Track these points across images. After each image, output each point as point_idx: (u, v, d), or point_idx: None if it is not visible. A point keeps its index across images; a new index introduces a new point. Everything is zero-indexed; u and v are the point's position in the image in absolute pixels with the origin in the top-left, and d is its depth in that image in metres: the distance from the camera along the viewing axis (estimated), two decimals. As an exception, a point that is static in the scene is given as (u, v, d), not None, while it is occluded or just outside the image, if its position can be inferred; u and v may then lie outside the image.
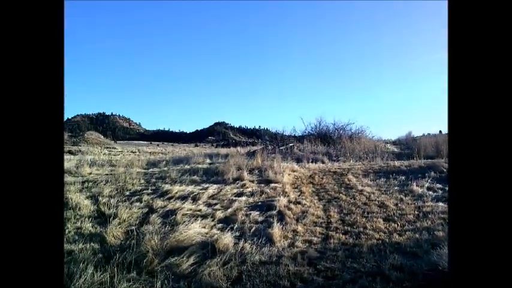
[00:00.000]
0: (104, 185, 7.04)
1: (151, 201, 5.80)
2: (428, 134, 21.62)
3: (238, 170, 8.23)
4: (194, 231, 4.18)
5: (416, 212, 5.26)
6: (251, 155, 12.01)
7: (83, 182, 7.34)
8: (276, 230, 4.31)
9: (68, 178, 8.16)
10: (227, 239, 3.96)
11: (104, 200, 5.82)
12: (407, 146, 16.21)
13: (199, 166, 9.60)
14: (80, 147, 33.22)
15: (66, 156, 19.30)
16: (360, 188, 7.03)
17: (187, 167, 9.69)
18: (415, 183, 6.95)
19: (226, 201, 5.93)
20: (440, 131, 21.50)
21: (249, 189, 6.82)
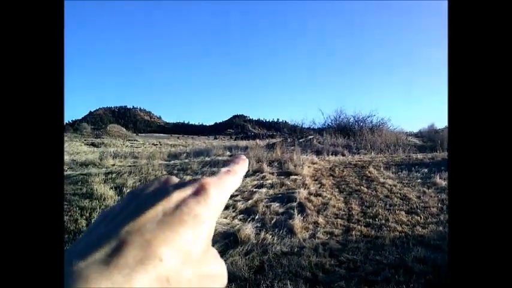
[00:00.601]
0: (128, 176, 7.22)
1: (173, 192, 5.91)
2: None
3: (258, 162, 8.26)
4: (216, 221, 4.24)
5: (439, 204, 5.15)
6: (270, 147, 12.02)
7: (107, 174, 7.55)
8: (297, 222, 4.33)
9: (92, 169, 8.40)
10: (248, 229, 4.00)
11: (128, 191, 5.97)
12: (429, 138, 15.85)
13: (219, 158, 9.69)
14: (102, 139, 34.02)
15: (90, 149, 19.84)
16: (381, 180, 6.95)
17: (207, 159, 9.81)
18: (438, 176, 6.81)
19: (246, 192, 5.98)
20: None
21: (269, 181, 6.85)
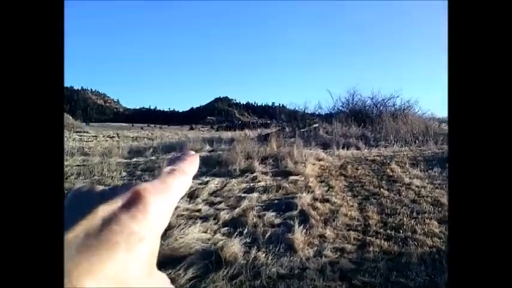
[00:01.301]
0: (75, 179, 7.15)
1: (136, 200, 5.88)
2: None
3: (248, 159, 8.27)
4: (193, 236, 4.23)
5: (481, 211, 5.22)
6: (263, 139, 12.03)
7: (49, 176, 7.46)
8: (298, 235, 4.34)
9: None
10: (235, 246, 4.00)
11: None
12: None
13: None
14: (42, 131, 33.56)
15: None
16: (406, 181, 7.01)
17: (181, 155, 9.78)
18: (479, 175, 6.88)
19: (232, 198, 5.98)
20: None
21: (262, 183, 6.86)
